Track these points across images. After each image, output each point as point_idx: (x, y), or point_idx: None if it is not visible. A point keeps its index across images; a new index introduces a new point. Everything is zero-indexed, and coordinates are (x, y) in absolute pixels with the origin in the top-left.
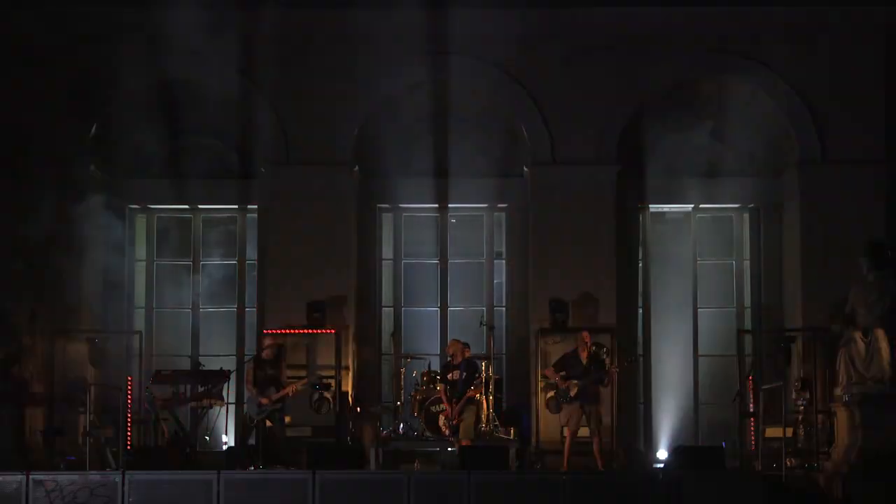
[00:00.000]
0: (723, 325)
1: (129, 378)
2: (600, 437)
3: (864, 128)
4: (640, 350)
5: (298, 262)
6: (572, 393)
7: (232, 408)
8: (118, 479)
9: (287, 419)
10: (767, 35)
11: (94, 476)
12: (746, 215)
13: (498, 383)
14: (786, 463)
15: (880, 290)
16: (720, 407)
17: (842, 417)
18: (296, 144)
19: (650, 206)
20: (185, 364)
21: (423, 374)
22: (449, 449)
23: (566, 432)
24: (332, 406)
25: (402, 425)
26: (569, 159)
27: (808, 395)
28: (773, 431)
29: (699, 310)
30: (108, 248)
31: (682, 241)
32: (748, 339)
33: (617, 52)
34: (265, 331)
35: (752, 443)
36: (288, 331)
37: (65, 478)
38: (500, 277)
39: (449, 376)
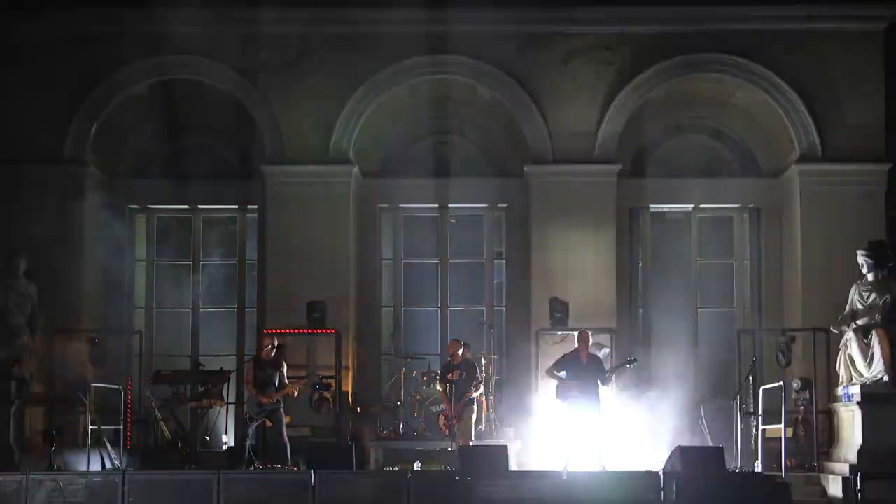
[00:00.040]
0: (723, 325)
1: (129, 378)
2: (601, 437)
3: (864, 128)
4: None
5: (298, 262)
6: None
7: (232, 408)
8: (118, 479)
9: (287, 419)
10: (767, 35)
11: (94, 476)
12: (746, 215)
13: (498, 383)
14: (786, 463)
15: (880, 290)
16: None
17: (842, 417)
18: (296, 144)
19: (650, 206)
20: (185, 364)
21: (423, 374)
22: (449, 449)
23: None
24: (332, 406)
25: (402, 425)
26: (569, 159)
27: (808, 395)
28: (773, 431)
29: (699, 310)
30: (108, 248)
31: (682, 241)
32: (748, 339)
33: (617, 52)
34: (265, 331)
35: (753, 443)
36: (288, 331)
37: (65, 478)
38: (500, 277)
39: (449, 376)
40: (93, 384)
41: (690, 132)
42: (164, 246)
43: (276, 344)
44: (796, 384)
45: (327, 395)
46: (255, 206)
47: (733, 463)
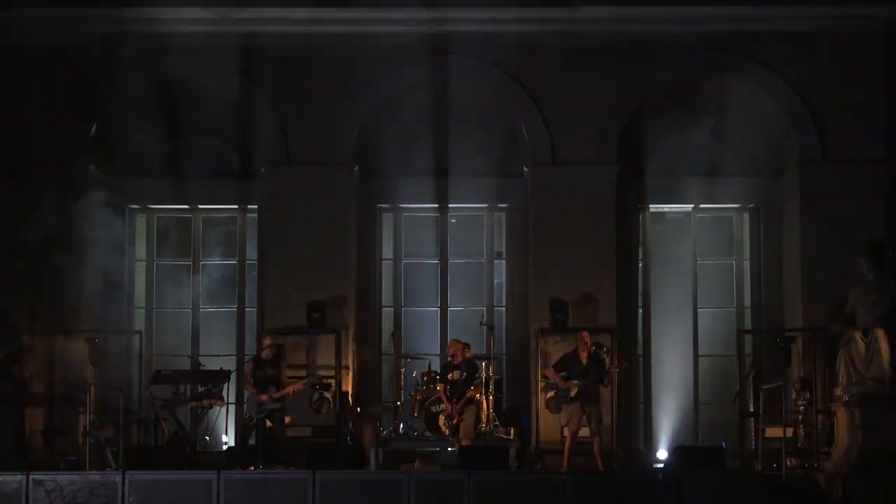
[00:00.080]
0: (723, 325)
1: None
2: (601, 437)
3: (864, 128)
4: (640, 350)
5: (298, 262)
6: (572, 393)
7: (232, 408)
8: (118, 479)
9: (287, 419)
10: (767, 35)
11: (94, 476)
12: (746, 215)
13: (498, 383)
14: (786, 463)
15: (880, 290)
16: (720, 407)
17: (842, 417)
18: (296, 144)
19: (650, 206)
20: (185, 364)
21: (423, 374)
22: (449, 449)
23: (566, 432)
24: (332, 406)
25: (402, 425)
26: (569, 159)
27: (808, 395)
28: (773, 431)
29: (699, 310)
30: (108, 248)
31: (682, 241)
32: (748, 339)
33: (617, 52)
34: (265, 331)
35: (753, 443)
36: (288, 331)
37: (65, 478)
38: (500, 277)
39: (449, 376)
40: (93, 384)
41: (690, 132)
42: (164, 246)
43: (276, 344)
44: (796, 384)
45: (327, 395)
46: (255, 206)
47: (733, 463)
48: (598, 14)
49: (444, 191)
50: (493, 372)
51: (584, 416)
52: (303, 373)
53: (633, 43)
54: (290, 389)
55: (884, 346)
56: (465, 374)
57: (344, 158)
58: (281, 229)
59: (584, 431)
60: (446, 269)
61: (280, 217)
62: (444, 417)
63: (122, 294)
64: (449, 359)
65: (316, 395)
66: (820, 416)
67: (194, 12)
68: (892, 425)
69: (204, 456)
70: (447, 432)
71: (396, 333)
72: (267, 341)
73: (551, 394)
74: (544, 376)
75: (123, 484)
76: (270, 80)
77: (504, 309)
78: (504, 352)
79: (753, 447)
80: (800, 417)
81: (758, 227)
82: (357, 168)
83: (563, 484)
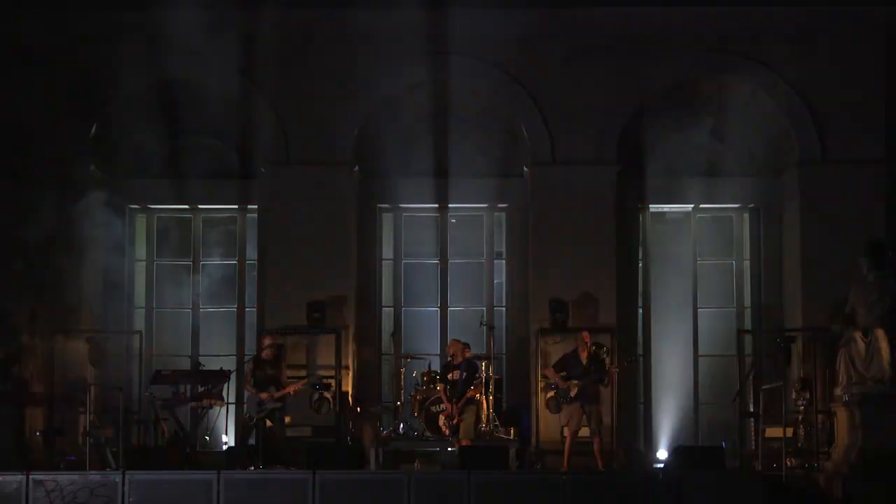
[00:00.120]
0: (723, 325)
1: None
2: (600, 437)
3: (864, 128)
4: (640, 350)
5: (298, 262)
6: (572, 393)
7: (232, 408)
8: (118, 479)
9: (287, 419)
10: (767, 35)
11: (94, 476)
12: (746, 215)
13: (498, 383)
14: (786, 463)
15: (880, 290)
16: (720, 407)
17: (842, 417)
18: (296, 144)
19: (650, 206)
20: (185, 364)
21: (423, 374)
22: (449, 449)
23: (566, 432)
24: (332, 406)
25: (402, 425)
26: (569, 159)
27: (808, 395)
28: (773, 431)
29: (699, 310)
30: (108, 248)
31: (682, 241)
32: (748, 339)
33: (617, 52)
34: (265, 331)
35: (753, 443)
36: (288, 331)
37: (65, 478)
38: (500, 277)
39: (449, 376)
40: (93, 384)
41: (690, 132)
42: (164, 246)
43: (276, 344)
44: (796, 384)
45: (327, 395)
46: (255, 206)
47: (733, 463)
48: (598, 14)
49: (444, 191)
50: (493, 372)
51: (584, 416)
52: (303, 373)
53: (633, 43)
54: (290, 389)
55: (884, 346)
56: (465, 374)
57: (344, 158)
58: (281, 229)
59: (584, 431)
60: (446, 269)
61: (280, 217)
62: (444, 417)
63: (122, 294)
64: (449, 359)
65: (316, 395)
66: (820, 416)
67: (194, 12)
68: (892, 425)
69: (204, 456)
70: (447, 432)
71: (396, 333)
72: (267, 341)
73: (551, 394)
74: (544, 376)
75: (123, 484)
76: (270, 80)
77: (504, 309)
78: (504, 352)
79: (753, 447)
80: (800, 417)
81: (758, 227)
82: (357, 168)
83: (563, 484)
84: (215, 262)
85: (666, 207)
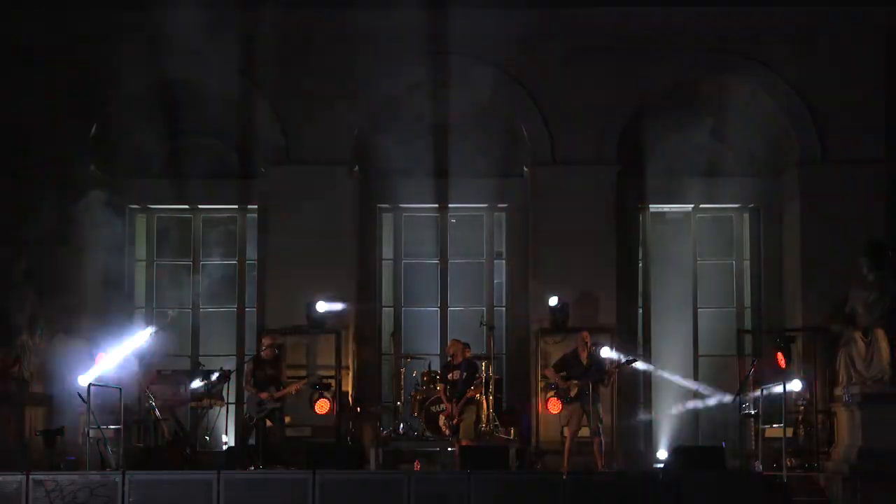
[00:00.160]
0: (723, 325)
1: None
2: (601, 437)
3: (864, 128)
4: (640, 350)
5: (298, 262)
6: (572, 393)
7: (232, 408)
8: (118, 479)
9: (287, 419)
10: (767, 35)
11: (94, 476)
12: (746, 215)
13: (498, 383)
14: (786, 463)
15: (880, 290)
16: (720, 407)
17: (842, 417)
18: (296, 144)
19: (650, 206)
20: (185, 364)
21: (423, 374)
22: (449, 449)
23: (566, 432)
24: (332, 406)
25: (402, 425)
26: (569, 159)
27: (808, 395)
28: (773, 431)
29: (699, 310)
30: (108, 248)
31: (682, 241)
32: (748, 338)
33: (617, 52)
34: (265, 331)
35: (753, 443)
36: (288, 331)
37: (65, 478)
38: (500, 277)
39: (449, 376)
40: (93, 384)
41: (690, 132)
42: (164, 246)
43: (275, 344)
44: (796, 384)
45: (327, 395)
46: (255, 206)
47: (733, 463)
48: (598, 14)
49: (444, 191)
50: (493, 372)
51: (584, 416)
52: (303, 373)
53: (633, 43)
54: (290, 389)
55: (884, 346)
56: (465, 374)
57: (344, 158)
58: (281, 229)
59: (584, 431)
60: (446, 269)
61: (280, 217)
62: (444, 417)
63: (122, 294)
64: (449, 359)
65: (316, 395)
66: (820, 416)
67: (194, 12)
68: (892, 425)
69: (204, 456)
70: (447, 432)
71: (396, 333)
72: (267, 341)
73: (551, 394)
74: (544, 376)
75: (123, 484)
76: (270, 80)
77: (504, 309)
78: (504, 352)
79: (753, 447)
80: (800, 417)
81: (758, 227)
82: (357, 168)
83: (563, 484)
84: (215, 262)
85: (666, 207)
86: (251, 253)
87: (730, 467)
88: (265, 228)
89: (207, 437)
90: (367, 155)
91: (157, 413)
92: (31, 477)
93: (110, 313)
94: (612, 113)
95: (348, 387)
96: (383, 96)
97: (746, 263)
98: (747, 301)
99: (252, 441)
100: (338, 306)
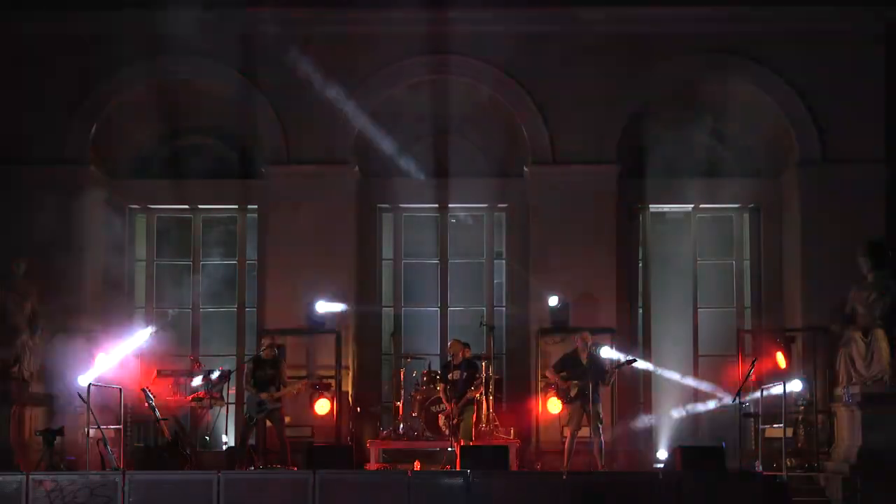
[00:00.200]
0: (723, 325)
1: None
2: (601, 437)
3: (864, 128)
4: (639, 350)
5: (298, 262)
6: (572, 393)
7: (232, 408)
8: (118, 479)
9: (287, 419)
10: (767, 35)
11: (94, 476)
12: (746, 215)
13: (498, 383)
14: (786, 463)
15: (880, 290)
16: (720, 407)
17: (842, 417)
18: (296, 144)
19: (650, 206)
20: (186, 364)
21: (423, 374)
22: (449, 449)
23: (566, 432)
24: (331, 406)
25: (402, 425)
26: (569, 159)
27: (808, 395)
28: (773, 431)
29: (699, 310)
30: (108, 248)
31: (682, 241)
32: (748, 339)
33: (617, 52)
34: (265, 331)
35: (753, 443)
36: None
37: (65, 478)
38: (500, 277)
39: (449, 376)
40: (93, 384)
41: (690, 132)
42: (164, 246)
43: (275, 344)
44: (796, 384)
45: (327, 395)
46: (255, 206)
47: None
48: (598, 14)
49: (444, 191)
50: (493, 372)
51: (585, 416)
52: (303, 373)
53: (633, 43)
54: (290, 390)
55: (884, 346)
56: (465, 374)
57: (344, 158)
58: (281, 229)
59: (584, 431)
60: (446, 269)
61: (280, 217)
62: (444, 417)
63: (122, 294)
64: (449, 359)
65: (316, 396)
66: (820, 416)
67: (194, 12)
68: (892, 425)
69: (204, 456)
70: (447, 432)
71: (396, 333)
72: (267, 341)
73: (552, 394)
74: (544, 376)
75: (123, 484)
76: (270, 80)
77: (504, 309)
78: (504, 352)
79: (753, 447)
80: (800, 417)
81: (758, 227)
82: (357, 168)
83: (563, 484)
84: (215, 262)
85: (666, 207)
86: (251, 253)
87: (730, 467)
88: (265, 228)
89: (207, 437)
90: (367, 155)
91: (157, 413)
92: (31, 477)
93: (110, 313)
94: (612, 113)
95: (348, 387)
96: (383, 96)
97: (746, 263)
98: (747, 301)
99: (252, 441)
100: (338, 306)
